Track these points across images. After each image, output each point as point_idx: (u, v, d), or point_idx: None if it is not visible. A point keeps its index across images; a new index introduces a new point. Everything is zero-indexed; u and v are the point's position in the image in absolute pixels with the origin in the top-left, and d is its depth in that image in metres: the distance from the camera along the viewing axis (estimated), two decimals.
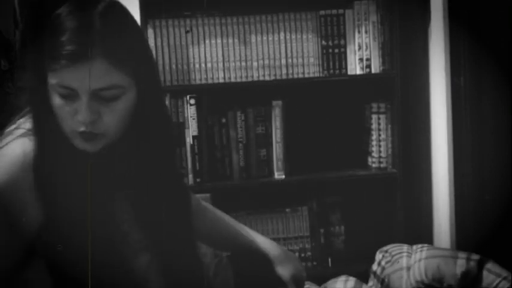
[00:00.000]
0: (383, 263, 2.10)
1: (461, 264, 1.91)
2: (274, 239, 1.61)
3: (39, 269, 1.12)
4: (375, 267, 2.13)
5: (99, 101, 1.06)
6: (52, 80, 1.05)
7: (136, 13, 2.23)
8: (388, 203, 2.38)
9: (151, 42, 2.25)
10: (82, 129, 1.07)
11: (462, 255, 1.94)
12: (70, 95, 1.05)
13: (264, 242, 1.45)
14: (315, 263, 2.39)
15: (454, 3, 2.10)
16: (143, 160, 1.17)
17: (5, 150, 1.09)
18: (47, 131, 1.09)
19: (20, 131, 1.12)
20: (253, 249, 1.43)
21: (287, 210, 2.39)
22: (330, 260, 2.40)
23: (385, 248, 2.15)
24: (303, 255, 2.38)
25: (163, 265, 1.21)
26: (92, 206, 1.09)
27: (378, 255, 2.13)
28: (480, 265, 1.90)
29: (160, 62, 2.26)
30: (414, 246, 2.09)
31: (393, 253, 2.09)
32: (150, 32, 2.25)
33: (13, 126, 1.15)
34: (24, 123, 1.13)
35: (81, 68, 1.04)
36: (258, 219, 2.36)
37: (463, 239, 2.15)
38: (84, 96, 1.05)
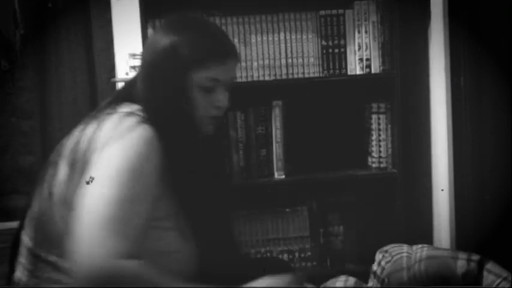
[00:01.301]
0: (383, 263, 2.10)
1: (461, 265, 1.91)
2: (274, 239, 1.62)
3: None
4: (375, 267, 2.13)
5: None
6: (200, 76, 1.31)
7: (136, 13, 2.23)
8: (388, 203, 2.38)
9: None
10: (216, 113, 1.36)
11: (462, 255, 1.94)
12: (212, 87, 1.33)
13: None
14: (314, 263, 2.39)
15: (454, 3, 2.10)
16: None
17: (137, 132, 1.23)
18: (181, 119, 1.31)
19: (137, 118, 1.26)
20: None
21: (287, 210, 2.39)
22: (329, 260, 2.40)
23: (385, 248, 2.15)
24: (302, 255, 2.38)
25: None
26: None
27: (378, 256, 2.13)
28: (480, 265, 1.90)
29: None
30: (414, 247, 2.09)
31: (393, 253, 2.09)
32: (150, 32, 2.25)
33: (124, 110, 1.30)
34: (137, 111, 1.29)
35: (229, 64, 1.37)
36: (258, 219, 2.36)
37: (463, 239, 2.15)
38: (225, 86, 1.36)
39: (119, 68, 3.83)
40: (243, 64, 2.28)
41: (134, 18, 2.38)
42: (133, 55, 3.50)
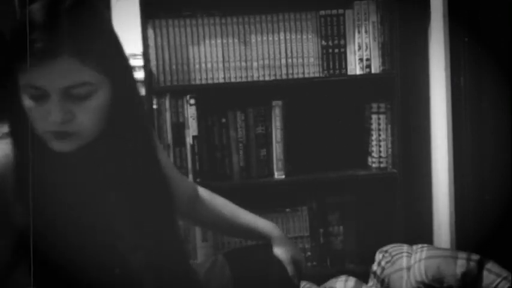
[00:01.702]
0: (383, 263, 2.10)
1: (461, 264, 1.91)
2: None
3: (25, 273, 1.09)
4: (375, 267, 2.13)
5: (71, 100, 1.03)
6: (22, 81, 1.02)
7: (136, 13, 2.23)
8: (388, 203, 2.38)
9: (151, 42, 2.25)
10: (54, 129, 1.04)
11: (462, 255, 1.94)
12: (41, 96, 1.02)
13: (264, 224, 1.50)
14: (314, 263, 2.39)
15: (454, 3, 2.10)
16: (123, 159, 1.15)
17: None
18: (23, 133, 1.06)
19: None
20: (254, 229, 1.48)
21: (287, 210, 2.39)
22: (329, 260, 2.40)
23: (385, 248, 2.15)
24: (302, 255, 2.38)
25: (153, 264, 1.19)
26: (78, 206, 1.09)
27: (378, 256, 2.13)
28: (480, 265, 1.90)
29: (160, 62, 2.26)
30: (414, 247, 2.09)
31: (393, 253, 2.09)
32: (150, 32, 2.25)
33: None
34: (1, 127, 1.11)
35: (50, 66, 1.00)
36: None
37: (463, 239, 2.15)
38: (55, 95, 1.02)
39: None
40: (243, 64, 2.28)
41: (134, 18, 2.37)
42: (133, 55, 3.50)
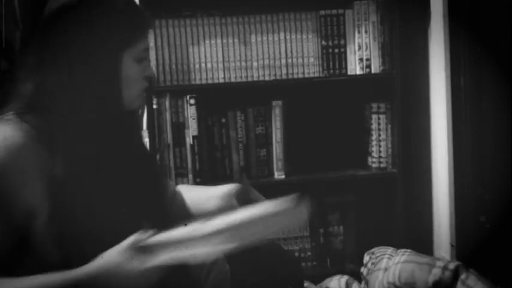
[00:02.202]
0: (369, 265, 2.10)
1: (435, 272, 1.90)
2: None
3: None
4: (362, 268, 2.13)
5: None
6: (135, 50, 1.16)
7: None
8: (388, 203, 2.38)
9: (151, 42, 2.25)
10: (146, 85, 1.20)
11: (440, 263, 1.92)
12: (143, 58, 1.19)
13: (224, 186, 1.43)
14: (314, 263, 2.39)
15: (454, 3, 2.10)
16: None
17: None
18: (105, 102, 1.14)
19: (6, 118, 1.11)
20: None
21: None
22: (329, 260, 2.40)
23: (371, 250, 2.15)
24: (302, 255, 2.38)
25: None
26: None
27: (366, 257, 2.14)
28: (455, 276, 1.88)
29: (160, 62, 2.26)
30: (399, 250, 2.08)
31: (377, 255, 2.09)
32: (150, 32, 2.25)
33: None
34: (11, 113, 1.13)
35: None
36: None
37: (462, 239, 2.15)
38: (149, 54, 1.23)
39: None
40: (243, 64, 2.28)
41: None
42: None
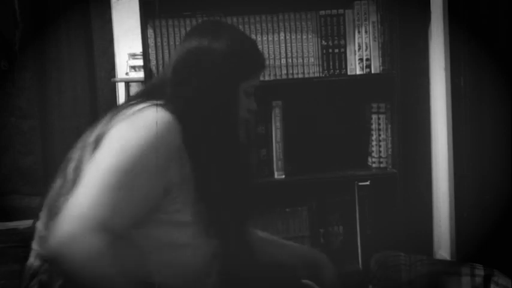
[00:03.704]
0: (378, 273, 2.02)
1: (466, 282, 1.86)
2: None
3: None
4: (371, 275, 2.05)
5: None
6: (248, 84, 1.42)
7: (136, 13, 2.23)
8: (388, 203, 2.38)
9: (151, 42, 2.25)
10: (248, 117, 1.45)
11: (465, 270, 1.87)
12: (251, 93, 1.44)
13: (310, 249, 1.78)
14: None
15: (454, 3, 2.10)
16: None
17: (152, 112, 1.28)
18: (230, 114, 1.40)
19: (157, 107, 1.30)
20: (301, 252, 1.69)
21: (287, 210, 2.39)
22: None
23: (379, 257, 2.06)
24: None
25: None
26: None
27: (373, 265, 2.04)
28: (486, 279, 1.85)
29: (160, 62, 2.26)
30: (413, 258, 2.01)
31: (390, 264, 1.98)
32: (150, 32, 2.25)
33: (144, 104, 1.33)
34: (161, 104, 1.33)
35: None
36: (258, 219, 2.36)
37: (463, 239, 2.15)
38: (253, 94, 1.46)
39: (119, 68, 3.84)
40: None
41: (134, 18, 2.37)
42: (133, 55, 3.50)
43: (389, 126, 2.34)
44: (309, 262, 1.63)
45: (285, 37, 2.28)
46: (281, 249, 1.65)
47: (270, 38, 2.28)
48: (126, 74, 3.60)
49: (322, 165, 2.42)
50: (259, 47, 2.30)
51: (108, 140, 1.25)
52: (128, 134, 1.25)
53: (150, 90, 1.43)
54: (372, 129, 2.36)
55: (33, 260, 1.32)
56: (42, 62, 3.89)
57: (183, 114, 1.30)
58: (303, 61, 2.29)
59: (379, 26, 2.29)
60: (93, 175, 1.19)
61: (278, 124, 2.31)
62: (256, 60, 1.46)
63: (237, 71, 1.40)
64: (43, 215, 1.34)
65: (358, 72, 2.30)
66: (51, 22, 3.74)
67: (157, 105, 1.30)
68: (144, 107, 1.30)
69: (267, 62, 2.27)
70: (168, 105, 1.31)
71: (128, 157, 1.21)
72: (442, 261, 2.02)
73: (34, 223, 1.37)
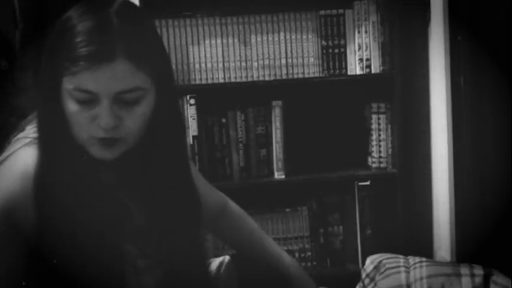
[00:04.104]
0: (377, 276, 1.96)
1: (466, 282, 1.85)
2: (274, 239, 1.63)
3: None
4: (363, 275, 2.00)
5: (120, 105, 1.00)
6: (68, 85, 0.99)
7: None
8: (388, 203, 2.37)
9: None
10: (102, 135, 1.01)
11: (465, 270, 1.86)
12: (89, 100, 0.99)
13: (288, 261, 1.46)
14: (314, 263, 2.39)
15: (454, 3, 2.10)
16: (156, 168, 1.12)
17: (10, 161, 1.06)
18: (55, 139, 1.04)
19: (27, 140, 1.09)
20: (280, 265, 1.44)
21: (287, 210, 2.39)
22: (329, 260, 2.40)
23: (376, 258, 2.01)
24: (302, 255, 2.38)
25: (167, 275, 1.17)
26: (102, 215, 1.05)
27: (369, 265, 1.99)
28: (486, 279, 1.84)
29: None
30: (411, 259, 1.98)
31: (388, 266, 1.95)
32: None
33: (21, 134, 1.12)
34: (33, 131, 1.09)
35: (103, 70, 0.97)
36: (258, 219, 2.35)
37: (463, 239, 2.15)
38: (106, 100, 0.99)
39: None
40: (243, 64, 2.28)
41: None
42: None
43: (389, 126, 2.34)
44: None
45: (285, 37, 2.28)
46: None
47: (270, 38, 2.28)
48: None
49: (322, 165, 2.42)
50: (262, 48, 2.33)
51: None
52: None
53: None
54: (372, 129, 2.36)
55: None
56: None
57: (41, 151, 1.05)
58: (303, 61, 2.29)
59: (379, 26, 2.29)
60: None
61: (278, 124, 2.31)
62: (72, 45, 1.00)
63: (55, 60, 1.04)
64: None
65: (358, 72, 2.30)
66: (51, 22, 3.74)
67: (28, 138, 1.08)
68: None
69: (267, 62, 2.27)
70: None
71: None
72: (441, 263, 2.01)
73: None
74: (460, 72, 2.06)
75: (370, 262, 2.02)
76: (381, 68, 2.30)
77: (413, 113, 2.38)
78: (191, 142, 2.27)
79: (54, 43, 1.03)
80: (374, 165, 2.37)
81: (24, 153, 1.05)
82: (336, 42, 2.30)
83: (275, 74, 2.28)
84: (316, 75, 2.29)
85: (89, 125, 1.01)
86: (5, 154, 1.08)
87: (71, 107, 1.01)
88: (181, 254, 1.16)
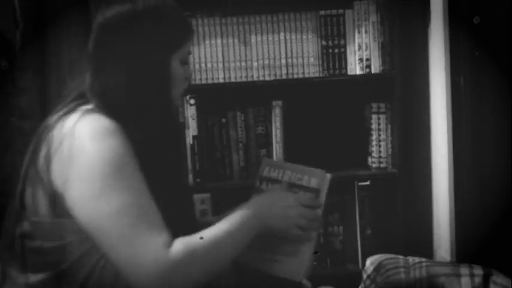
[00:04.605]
0: (373, 275, 1.98)
1: (466, 282, 1.85)
2: None
3: None
4: (364, 275, 2.01)
5: None
6: (181, 53, 1.30)
7: None
8: (388, 203, 2.37)
9: None
10: (186, 86, 1.36)
11: (465, 271, 1.87)
12: (187, 61, 1.33)
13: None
14: (314, 263, 2.39)
15: (454, 3, 2.10)
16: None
17: (98, 121, 1.19)
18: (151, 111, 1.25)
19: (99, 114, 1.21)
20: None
21: None
22: (329, 260, 2.40)
23: (376, 259, 2.05)
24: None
25: None
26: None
27: (369, 267, 2.03)
28: (485, 279, 1.84)
29: None
30: (410, 260, 2.00)
31: (388, 267, 1.98)
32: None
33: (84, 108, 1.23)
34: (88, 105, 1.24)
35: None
36: None
37: (463, 239, 2.15)
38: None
39: None
40: (243, 64, 2.28)
41: None
42: None
43: (389, 126, 2.34)
44: None
45: (285, 37, 2.28)
46: None
47: (270, 38, 2.28)
48: None
49: (322, 165, 2.40)
50: (262, 48, 2.33)
51: (78, 168, 1.14)
52: (102, 164, 1.14)
53: (77, 95, 1.29)
54: (372, 129, 2.36)
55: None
56: (42, 62, 3.88)
57: (116, 116, 1.20)
58: (303, 61, 2.29)
59: (379, 26, 2.29)
60: (111, 217, 1.11)
61: (278, 124, 2.31)
62: (185, 22, 1.33)
63: (168, 39, 1.27)
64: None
65: (358, 72, 2.30)
66: (51, 22, 3.73)
67: (87, 111, 1.21)
68: (77, 118, 1.19)
69: (267, 62, 2.28)
70: (100, 109, 1.21)
71: (116, 167, 1.14)
72: (440, 263, 2.01)
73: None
74: (460, 72, 2.06)
75: (370, 263, 2.03)
76: (381, 68, 2.30)
77: (413, 113, 2.38)
78: (191, 142, 2.27)
79: (155, 29, 1.25)
80: (374, 165, 2.37)
81: (110, 123, 1.20)
82: (336, 42, 2.30)
83: (275, 74, 2.28)
84: (316, 75, 2.29)
85: (183, 80, 1.33)
86: (86, 128, 1.19)
87: (178, 70, 1.30)
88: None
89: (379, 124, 2.35)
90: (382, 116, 2.34)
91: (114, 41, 1.24)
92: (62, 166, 1.15)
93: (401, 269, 1.96)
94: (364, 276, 2.03)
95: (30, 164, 1.24)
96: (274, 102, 2.31)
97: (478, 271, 1.85)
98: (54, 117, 1.25)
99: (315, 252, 1.44)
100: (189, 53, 1.35)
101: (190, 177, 2.27)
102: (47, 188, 1.18)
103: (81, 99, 1.26)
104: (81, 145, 1.15)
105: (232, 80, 2.28)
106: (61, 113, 1.25)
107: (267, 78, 2.28)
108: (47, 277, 1.19)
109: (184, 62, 1.32)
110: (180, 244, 1.12)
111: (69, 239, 1.17)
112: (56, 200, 1.16)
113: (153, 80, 1.24)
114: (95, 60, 1.26)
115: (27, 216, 1.22)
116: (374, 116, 2.35)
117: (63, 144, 1.16)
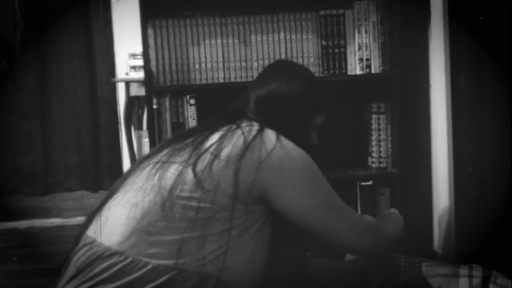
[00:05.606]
0: (377, 275, 1.99)
1: (464, 283, 1.85)
2: None
3: None
4: (369, 276, 2.02)
5: None
6: (318, 119, 1.71)
7: (136, 13, 2.23)
8: (388, 203, 2.37)
9: (151, 42, 2.25)
10: (316, 142, 1.76)
11: (464, 271, 1.87)
12: (317, 128, 1.74)
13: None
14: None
15: (454, 3, 2.10)
16: None
17: (268, 134, 1.50)
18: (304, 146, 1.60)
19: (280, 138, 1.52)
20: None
21: None
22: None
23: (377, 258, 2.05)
24: None
25: None
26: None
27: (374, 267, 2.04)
28: (485, 280, 1.84)
29: (160, 62, 2.26)
30: (411, 260, 2.01)
31: (389, 265, 1.96)
32: (150, 32, 2.25)
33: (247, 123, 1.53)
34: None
35: None
36: None
37: (463, 239, 2.15)
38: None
39: (119, 68, 3.84)
40: (243, 64, 2.28)
41: (134, 18, 2.37)
42: (133, 55, 3.50)
43: (389, 126, 2.34)
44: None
45: (285, 37, 2.28)
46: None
47: (270, 38, 2.28)
48: (126, 74, 3.60)
49: (322, 165, 2.41)
50: (262, 48, 2.33)
51: (279, 167, 1.47)
52: (291, 154, 1.50)
53: (235, 114, 1.63)
54: (372, 129, 2.36)
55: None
56: (42, 62, 3.89)
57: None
58: (303, 61, 2.29)
59: (379, 26, 2.29)
60: (314, 202, 1.59)
61: None
62: (325, 96, 1.69)
63: (311, 108, 1.64)
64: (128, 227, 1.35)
65: (358, 72, 2.31)
66: (51, 22, 3.74)
67: (264, 127, 1.50)
68: (257, 129, 1.48)
69: (267, 62, 2.28)
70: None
71: (313, 172, 1.60)
72: (440, 263, 2.01)
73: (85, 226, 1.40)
74: (460, 72, 2.06)
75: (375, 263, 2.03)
76: (381, 68, 2.30)
77: (413, 113, 2.38)
78: None
79: (311, 96, 1.64)
80: (374, 165, 2.37)
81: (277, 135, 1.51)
82: (336, 42, 2.30)
83: None
84: (316, 75, 2.29)
85: (314, 137, 1.75)
86: (248, 130, 1.50)
87: (313, 133, 1.74)
88: None
89: (379, 124, 2.35)
90: (382, 116, 2.34)
91: (274, 106, 1.60)
92: (272, 171, 1.45)
93: (401, 268, 1.97)
94: (370, 276, 2.03)
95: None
96: None
97: (478, 272, 1.85)
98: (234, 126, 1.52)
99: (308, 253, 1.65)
100: (322, 121, 1.73)
101: None
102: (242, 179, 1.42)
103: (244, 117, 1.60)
104: (288, 157, 1.49)
105: (232, 80, 2.28)
106: (244, 124, 1.53)
107: None
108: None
109: (315, 129, 1.72)
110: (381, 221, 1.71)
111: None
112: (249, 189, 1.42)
113: (298, 137, 1.59)
114: (259, 112, 1.61)
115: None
116: (374, 116, 2.35)
117: (271, 155, 1.45)
